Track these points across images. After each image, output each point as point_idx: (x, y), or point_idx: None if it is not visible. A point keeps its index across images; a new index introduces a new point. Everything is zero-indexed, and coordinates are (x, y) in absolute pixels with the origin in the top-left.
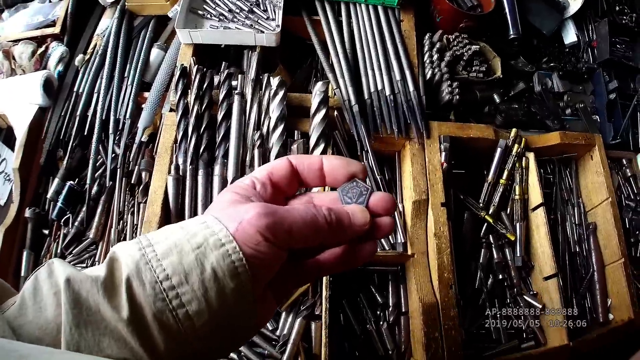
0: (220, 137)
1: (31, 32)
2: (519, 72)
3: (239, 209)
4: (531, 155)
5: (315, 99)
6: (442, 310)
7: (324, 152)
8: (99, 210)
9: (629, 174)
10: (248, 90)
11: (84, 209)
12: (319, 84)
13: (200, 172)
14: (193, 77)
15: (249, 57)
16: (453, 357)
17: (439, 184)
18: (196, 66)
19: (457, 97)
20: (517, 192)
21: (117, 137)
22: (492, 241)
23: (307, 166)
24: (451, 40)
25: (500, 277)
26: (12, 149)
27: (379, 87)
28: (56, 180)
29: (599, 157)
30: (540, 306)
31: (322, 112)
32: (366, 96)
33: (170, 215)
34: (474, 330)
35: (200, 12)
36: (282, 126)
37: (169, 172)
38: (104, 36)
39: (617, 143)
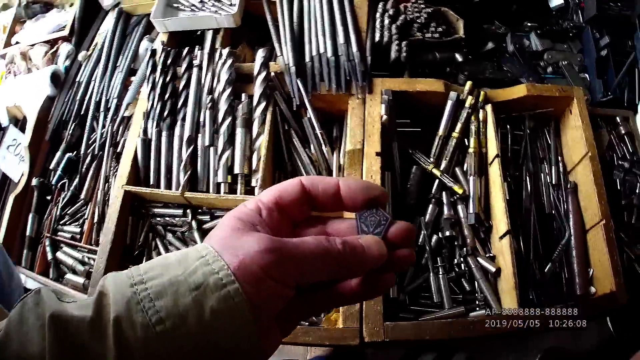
0: (180, 104)
1: (45, 36)
2: (490, 35)
3: (242, 243)
4: (489, 107)
5: (257, 63)
6: None
7: (265, 109)
8: (89, 175)
9: (623, 132)
10: (205, 62)
11: (78, 176)
12: (260, 50)
13: (164, 134)
14: (158, 56)
15: (205, 36)
16: (372, 315)
17: (375, 134)
18: (162, 47)
19: (405, 54)
20: (472, 144)
21: (106, 115)
22: (443, 198)
23: (322, 190)
24: (408, 7)
25: (448, 234)
26: None
27: (321, 51)
28: (58, 153)
29: (577, 109)
30: (494, 269)
31: (263, 74)
32: (308, 59)
33: (139, 171)
34: (414, 291)
35: (175, 5)
36: (229, 89)
37: (139, 135)
38: (104, 35)
39: (608, 100)
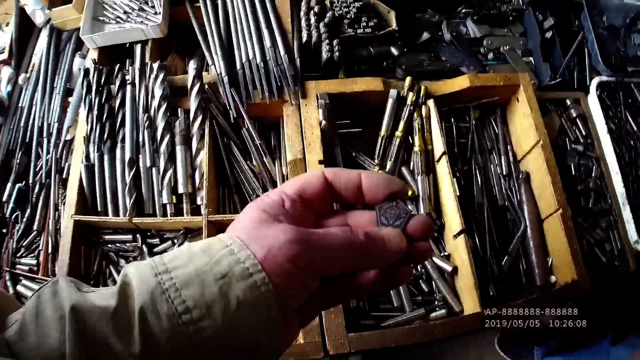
0: (118, 124)
1: None
2: (425, 24)
3: (268, 233)
4: (431, 102)
5: (189, 76)
6: None
7: (202, 123)
8: (40, 205)
9: (574, 115)
10: (137, 79)
11: (29, 206)
12: (192, 61)
13: (106, 157)
14: (91, 76)
15: (134, 50)
16: (334, 328)
17: (316, 142)
18: (93, 65)
19: (337, 53)
20: (416, 143)
21: (50, 140)
22: None
23: (345, 183)
24: (335, 1)
25: None
26: None
27: (251, 57)
28: (8, 184)
29: (524, 97)
30: (450, 268)
31: (197, 87)
32: (238, 67)
33: (86, 198)
34: (373, 297)
35: (101, 17)
36: (164, 105)
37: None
38: (39, 54)
39: (557, 83)
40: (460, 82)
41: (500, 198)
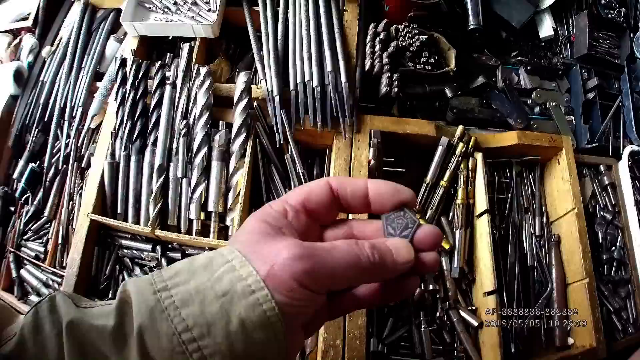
0: (151, 125)
1: (8, 24)
2: (481, 67)
3: (271, 248)
4: (479, 156)
5: (237, 89)
6: (348, 317)
7: (244, 142)
8: (53, 191)
9: (607, 182)
10: (179, 80)
11: (42, 189)
12: (242, 73)
13: (133, 159)
14: (129, 68)
15: (181, 48)
16: None
17: None
18: (132, 57)
19: (396, 89)
20: (459, 196)
21: (71, 124)
22: None
23: (351, 192)
24: (400, 30)
25: (432, 287)
26: None
27: (307, 78)
28: (21, 162)
29: (566, 161)
30: (477, 323)
31: (244, 102)
32: (292, 87)
33: (105, 197)
34: (395, 342)
35: (147, 4)
36: (206, 115)
37: (107, 157)
38: (69, 29)
39: (593, 147)
40: (509, 138)
41: (530, 258)
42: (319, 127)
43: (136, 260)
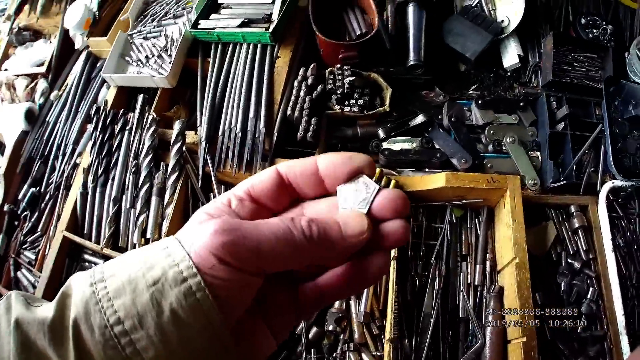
0: (112, 163)
1: (27, 69)
2: (427, 104)
3: (199, 228)
4: None
5: (173, 134)
6: None
7: (176, 180)
8: (46, 211)
9: (577, 225)
10: (134, 127)
11: (38, 210)
12: (177, 121)
13: (98, 191)
14: (99, 115)
15: (137, 99)
16: None
17: None
18: (103, 106)
19: (311, 133)
20: None
21: (64, 158)
22: None
23: (300, 172)
24: (335, 72)
25: (331, 328)
26: None
27: (233, 125)
28: (25, 186)
29: (509, 205)
30: None
31: (177, 145)
32: (220, 133)
33: (77, 219)
34: None
35: (127, 58)
36: (150, 155)
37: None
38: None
39: (560, 186)
40: (436, 180)
41: (464, 309)
42: (234, 170)
43: None
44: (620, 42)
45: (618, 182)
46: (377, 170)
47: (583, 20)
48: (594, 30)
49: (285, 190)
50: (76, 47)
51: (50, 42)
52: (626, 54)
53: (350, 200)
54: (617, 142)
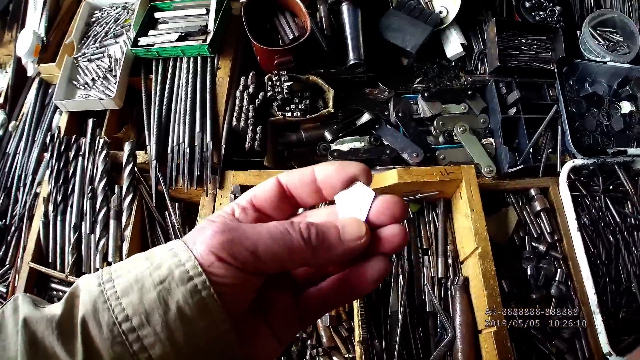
0: (70, 191)
1: None
2: (372, 102)
3: (203, 231)
4: None
5: (124, 156)
6: None
7: (131, 202)
8: (12, 244)
9: (539, 208)
10: (87, 151)
11: (4, 243)
12: (127, 143)
13: (59, 219)
14: (54, 143)
15: (87, 124)
16: None
17: None
18: (55, 133)
19: (258, 142)
20: None
21: (25, 189)
22: None
23: (299, 181)
24: (273, 78)
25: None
26: None
27: (181, 141)
28: None
29: (466, 196)
30: None
31: (129, 167)
32: (169, 150)
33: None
34: None
35: (74, 82)
36: (105, 179)
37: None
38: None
39: (518, 170)
40: (389, 178)
41: (430, 303)
42: (186, 186)
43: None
44: (571, 21)
45: (579, 161)
46: None
47: (527, 4)
48: (541, 13)
49: (286, 199)
50: (29, 74)
51: (6, 72)
52: (578, 32)
53: (348, 207)
54: (574, 121)
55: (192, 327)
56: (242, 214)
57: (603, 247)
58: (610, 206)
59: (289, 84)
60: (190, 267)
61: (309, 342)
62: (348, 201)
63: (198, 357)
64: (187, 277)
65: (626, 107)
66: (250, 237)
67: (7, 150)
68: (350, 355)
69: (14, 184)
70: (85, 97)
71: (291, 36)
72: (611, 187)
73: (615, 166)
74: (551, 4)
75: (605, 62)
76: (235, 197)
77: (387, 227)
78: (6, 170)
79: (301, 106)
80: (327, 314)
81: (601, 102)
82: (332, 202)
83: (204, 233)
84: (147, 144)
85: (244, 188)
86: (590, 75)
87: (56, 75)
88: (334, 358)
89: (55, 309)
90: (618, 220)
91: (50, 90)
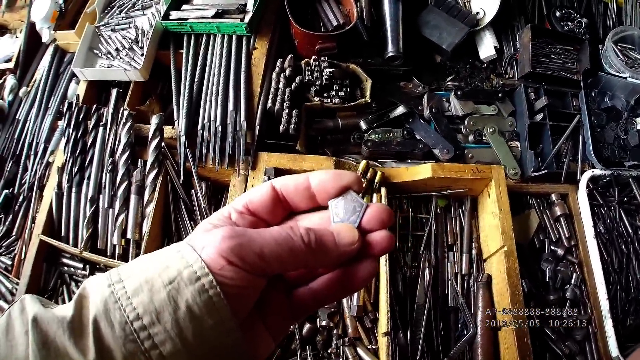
0: (87, 162)
1: None
2: (407, 95)
3: (208, 235)
4: (383, 191)
5: (151, 129)
6: None
7: (156, 177)
8: (20, 214)
9: (559, 213)
10: (108, 122)
11: (12, 212)
12: (155, 116)
13: (73, 190)
14: (71, 111)
15: (110, 94)
16: None
17: None
18: (75, 102)
19: (293, 126)
20: None
21: (35, 157)
22: None
23: (294, 187)
24: (311, 63)
25: (324, 324)
26: None
27: (212, 118)
28: None
29: (494, 194)
30: None
31: (156, 141)
32: (199, 127)
33: (53, 221)
34: None
35: (95, 50)
36: (128, 152)
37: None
38: (42, 71)
39: (542, 175)
40: (422, 171)
41: (453, 299)
42: (217, 165)
43: (73, 277)
44: (594, 35)
45: (597, 171)
46: (363, 162)
47: (558, 13)
48: (569, 23)
49: (280, 204)
50: (43, 41)
51: (17, 37)
52: (600, 46)
53: (341, 214)
54: (595, 132)
55: (201, 324)
56: (238, 217)
57: (616, 255)
58: (624, 217)
59: (330, 70)
60: (198, 267)
61: (334, 331)
62: (341, 208)
63: (206, 353)
64: (195, 277)
65: None
66: (257, 241)
67: (18, 117)
68: (374, 347)
69: (24, 152)
70: (108, 67)
71: (335, 23)
72: (625, 199)
73: (630, 179)
74: (579, 16)
75: (625, 78)
76: (269, 179)
77: (376, 232)
78: (15, 137)
79: (341, 93)
80: (354, 305)
81: (619, 116)
82: (321, 207)
83: (213, 237)
84: (175, 119)
85: (277, 171)
86: (611, 89)
87: (74, 43)
88: (358, 349)
89: (65, 310)
90: (630, 231)
91: (66, 59)
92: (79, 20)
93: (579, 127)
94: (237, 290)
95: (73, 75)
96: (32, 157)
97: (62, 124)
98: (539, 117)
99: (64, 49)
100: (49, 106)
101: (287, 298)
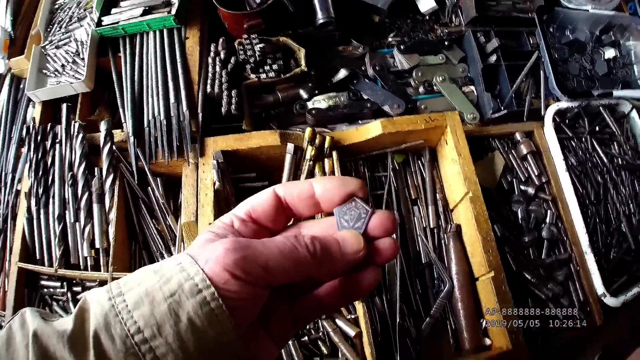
0: (50, 182)
1: None
2: (347, 58)
3: (212, 247)
4: (334, 155)
5: (101, 136)
6: None
7: (113, 182)
8: None
9: (525, 152)
10: (63, 138)
11: None
12: (103, 122)
13: (42, 212)
14: (29, 135)
15: (60, 110)
16: None
17: (209, 204)
18: (30, 124)
19: (235, 106)
20: None
21: (6, 188)
22: None
23: (297, 195)
24: (244, 42)
25: None
26: None
27: (157, 114)
28: None
29: (452, 140)
30: (354, 333)
31: (107, 147)
32: (146, 124)
33: (28, 246)
34: None
35: (44, 70)
36: (84, 163)
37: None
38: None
39: (502, 116)
40: (372, 129)
41: (425, 254)
42: (167, 158)
43: (53, 297)
44: None
45: (563, 104)
46: (308, 130)
47: None
48: None
49: (283, 211)
50: (0, 72)
51: None
52: None
53: (346, 221)
54: (557, 66)
55: (203, 337)
56: (241, 225)
57: (591, 187)
58: (597, 147)
59: (260, 46)
60: (199, 280)
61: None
62: (346, 215)
63: None
64: (196, 290)
65: (610, 52)
66: (261, 253)
67: None
68: (353, 316)
69: None
70: (57, 84)
71: (258, 0)
72: (597, 128)
73: (601, 108)
74: None
75: (587, 10)
76: (218, 163)
77: (380, 240)
78: None
79: (275, 67)
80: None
81: (584, 49)
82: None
83: (216, 249)
84: (122, 121)
85: (225, 153)
86: (571, 23)
87: (27, 68)
88: (337, 320)
89: (65, 324)
90: (605, 160)
91: (21, 86)
92: (27, 43)
93: (540, 64)
94: (240, 302)
95: (29, 99)
96: (2, 190)
97: (24, 149)
98: (493, 58)
99: (19, 76)
100: (12, 135)
101: (290, 306)
